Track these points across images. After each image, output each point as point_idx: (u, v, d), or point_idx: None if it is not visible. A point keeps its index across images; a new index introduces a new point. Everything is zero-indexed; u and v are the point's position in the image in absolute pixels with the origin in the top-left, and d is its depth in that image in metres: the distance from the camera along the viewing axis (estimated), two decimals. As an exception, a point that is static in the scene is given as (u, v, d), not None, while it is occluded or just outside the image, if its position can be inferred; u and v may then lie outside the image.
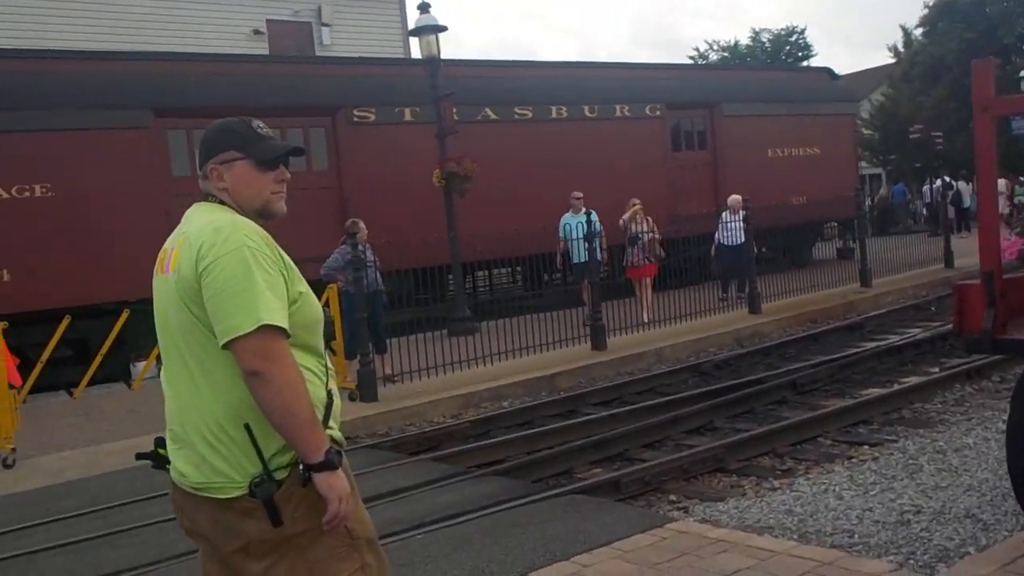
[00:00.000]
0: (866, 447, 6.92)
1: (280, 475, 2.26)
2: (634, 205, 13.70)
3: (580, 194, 13.64)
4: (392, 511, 5.64)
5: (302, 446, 2.23)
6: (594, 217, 12.75)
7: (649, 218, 13.62)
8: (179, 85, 13.29)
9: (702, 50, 47.17)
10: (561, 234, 13.59)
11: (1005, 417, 4.32)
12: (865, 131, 35.51)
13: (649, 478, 6.36)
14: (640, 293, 13.63)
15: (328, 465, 2.24)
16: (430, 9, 13.56)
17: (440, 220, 13.55)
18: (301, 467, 2.26)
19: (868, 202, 25.55)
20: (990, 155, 4.11)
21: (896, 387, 8.75)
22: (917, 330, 11.79)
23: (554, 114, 16.75)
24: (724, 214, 15.23)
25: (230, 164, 2.44)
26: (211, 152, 2.46)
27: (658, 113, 18.11)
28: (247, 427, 2.25)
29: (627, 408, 8.62)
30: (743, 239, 14.54)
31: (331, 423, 2.38)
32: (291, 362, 2.24)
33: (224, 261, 2.24)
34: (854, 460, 6.57)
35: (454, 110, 13.78)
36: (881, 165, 38.69)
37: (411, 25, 14.29)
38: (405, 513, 5.64)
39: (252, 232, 2.33)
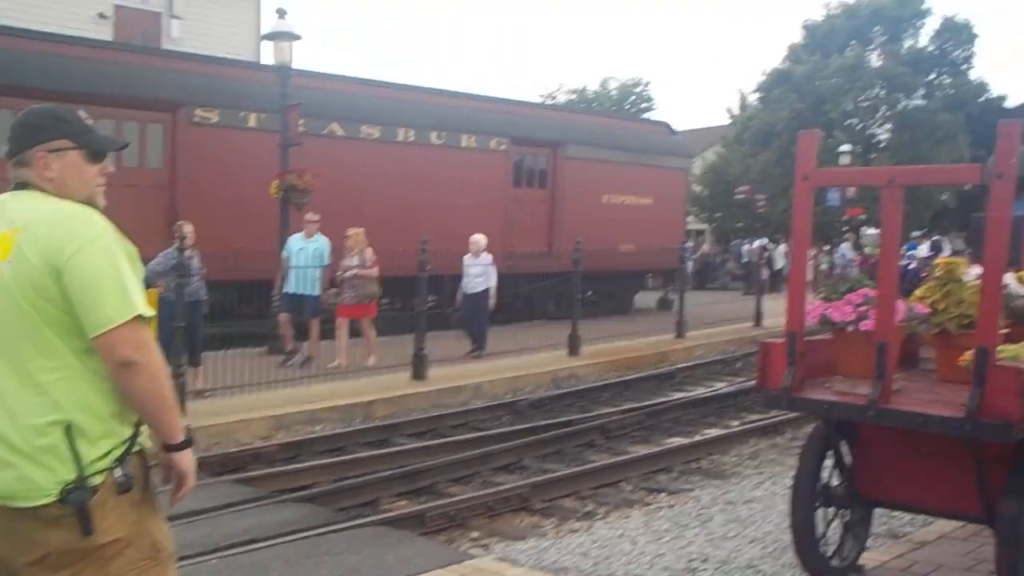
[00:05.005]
0: (664, 494, 7.22)
1: (94, 481, 2.18)
2: (351, 233, 11.86)
3: (316, 216, 12.21)
4: (188, 533, 5.47)
5: (168, 429, 2.28)
6: (325, 245, 11.89)
7: (370, 249, 11.71)
8: (8, 62, 12.48)
9: (551, 90, 48.49)
10: (284, 254, 12.11)
11: (793, 472, 4.59)
12: (696, 187, 37.03)
13: (454, 513, 6.44)
14: (337, 334, 11.63)
15: (188, 443, 2.31)
16: (287, 16, 13.32)
17: (273, 233, 13.22)
18: (118, 473, 2.21)
19: (693, 255, 26.65)
20: (806, 222, 4.34)
21: (697, 438, 9.18)
22: (723, 384, 12.39)
23: (401, 136, 16.71)
24: (465, 257, 13.15)
25: (62, 153, 2.37)
26: (39, 138, 2.37)
27: (503, 147, 18.33)
28: (67, 430, 2.17)
29: (439, 441, 8.70)
30: (484, 286, 12.88)
31: (141, 430, 2.32)
32: (157, 348, 2.26)
33: (89, 250, 2.19)
34: (651, 506, 6.85)
35: (300, 121, 13.57)
36: (707, 221, 40.42)
37: (265, 29, 13.98)
38: (201, 536, 5.51)
39: (103, 221, 2.29)
